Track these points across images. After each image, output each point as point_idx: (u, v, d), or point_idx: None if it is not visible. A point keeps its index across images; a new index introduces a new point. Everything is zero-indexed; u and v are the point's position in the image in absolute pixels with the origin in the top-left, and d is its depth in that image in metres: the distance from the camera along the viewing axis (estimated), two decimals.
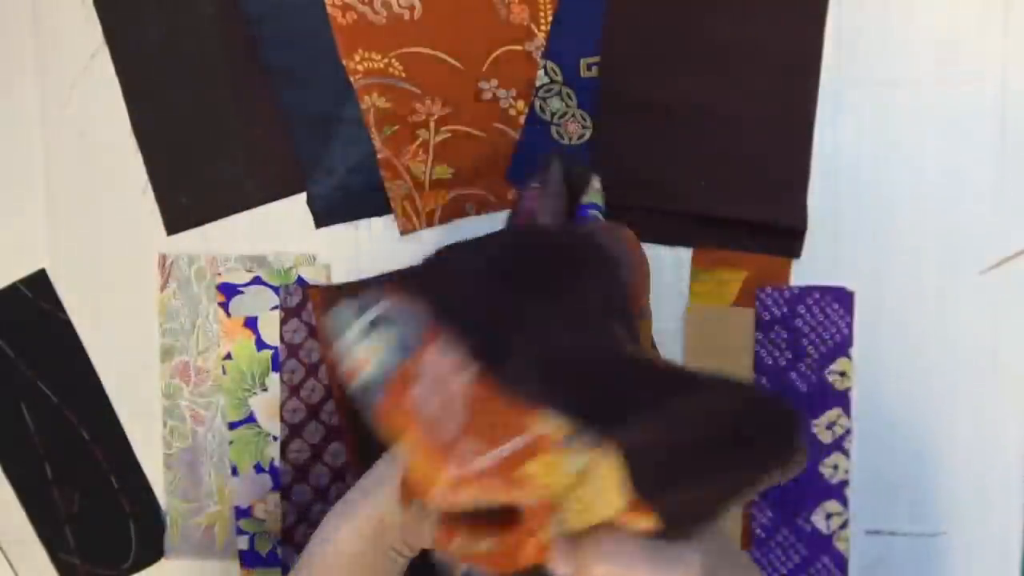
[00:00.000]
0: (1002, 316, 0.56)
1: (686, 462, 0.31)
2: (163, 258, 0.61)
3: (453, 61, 0.58)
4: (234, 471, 0.61)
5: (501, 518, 0.29)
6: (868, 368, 0.57)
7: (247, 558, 0.61)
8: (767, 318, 0.57)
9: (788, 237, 0.57)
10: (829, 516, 0.58)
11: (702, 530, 0.32)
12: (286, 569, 0.60)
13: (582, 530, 0.31)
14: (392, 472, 0.40)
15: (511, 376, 0.29)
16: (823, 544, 0.58)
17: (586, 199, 0.48)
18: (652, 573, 0.32)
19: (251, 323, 0.60)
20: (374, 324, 0.29)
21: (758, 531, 0.58)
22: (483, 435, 0.28)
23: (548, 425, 0.29)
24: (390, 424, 0.28)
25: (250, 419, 0.61)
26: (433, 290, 0.31)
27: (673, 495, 0.31)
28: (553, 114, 0.58)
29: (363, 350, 0.29)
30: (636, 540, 0.32)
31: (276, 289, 0.60)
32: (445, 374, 0.28)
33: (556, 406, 0.29)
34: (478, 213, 0.59)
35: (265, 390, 0.60)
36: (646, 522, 0.31)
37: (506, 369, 0.29)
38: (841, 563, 0.58)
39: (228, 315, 0.60)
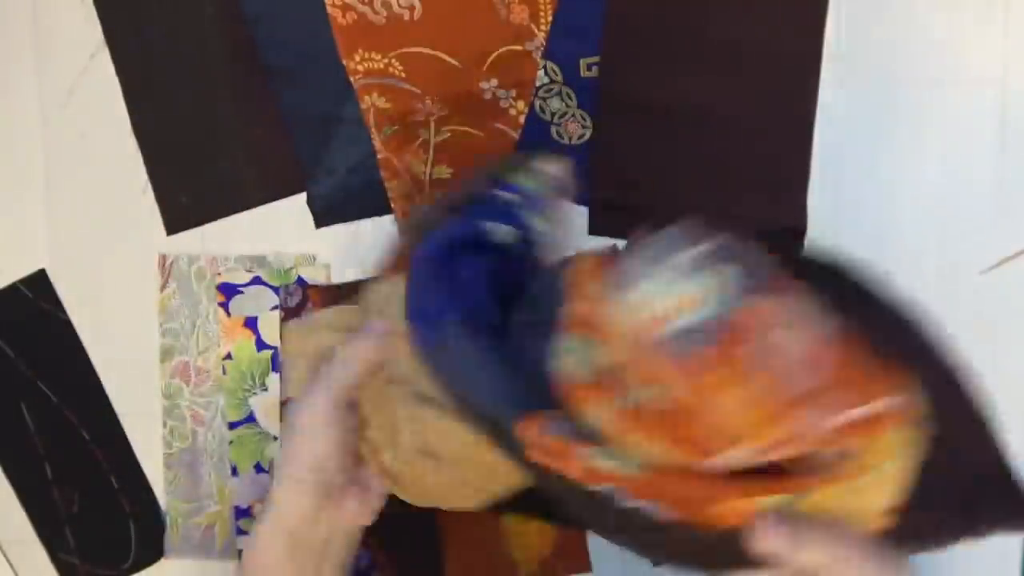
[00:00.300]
0: (1002, 316, 0.56)
1: (947, 491, 0.30)
2: (163, 258, 0.61)
3: (453, 61, 0.58)
4: (234, 471, 0.61)
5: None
6: None
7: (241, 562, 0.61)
8: None
9: (788, 237, 0.57)
10: None
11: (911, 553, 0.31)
12: None
13: (801, 512, 0.29)
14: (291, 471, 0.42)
15: (879, 333, 0.27)
16: None
17: (516, 177, 0.44)
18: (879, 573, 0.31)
19: (251, 323, 0.60)
20: (707, 258, 0.26)
21: None
22: (843, 392, 0.26)
23: (910, 397, 0.27)
24: (711, 376, 0.25)
25: (250, 419, 0.61)
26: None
27: (921, 516, 0.30)
28: (553, 114, 0.58)
29: (693, 286, 0.25)
30: (854, 536, 0.31)
31: (276, 289, 0.60)
32: (795, 327, 0.26)
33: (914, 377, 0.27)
34: None
35: (265, 390, 0.60)
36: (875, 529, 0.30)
37: (874, 324, 0.27)
38: None
39: (228, 315, 0.60)
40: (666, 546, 0.31)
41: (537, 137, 0.58)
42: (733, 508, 0.29)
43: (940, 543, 0.32)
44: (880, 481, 0.29)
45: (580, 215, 0.58)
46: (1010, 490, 0.32)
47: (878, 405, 0.26)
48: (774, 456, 0.27)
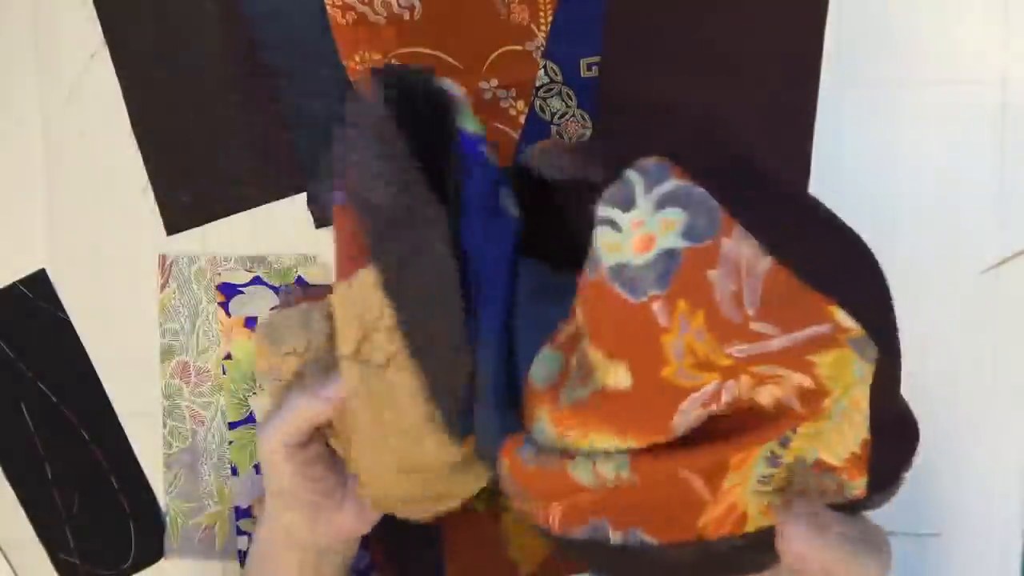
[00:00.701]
0: (1002, 316, 0.56)
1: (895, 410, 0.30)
2: (163, 258, 0.61)
3: (453, 61, 0.57)
4: (234, 471, 0.61)
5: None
6: None
7: (247, 558, 0.61)
8: None
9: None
10: None
11: (883, 503, 0.32)
12: None
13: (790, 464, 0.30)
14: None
15: (806, 269, 0.28)
16: None
17: (465, 124, 0.42)
18: (851, 557, 0.31)
19: (251, 323, 0.60)
20: (668, 198, 0.27)
21: None
22: (778, 320, 0.27)
23: (846, 321, 0.28)
24: (683, 301, 0.27)
25: (250, 419, 0.61)
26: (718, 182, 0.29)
27: (886, 447, 0.30)
28: (553, 114, 0.58)
29: (656, 223, 0.27)
30: (832, 512, 0.31)
31: (276, 289, 0.60)
32: (744, 259, 0.27)
33: (846, 306, 0.28)
34: None
35: (265, 390, 0.60)
36: (858, 487, 0.30)
37: (799, 261, 0.28)
38: None
39: (228, 315, 0.60)
40: (661, 573, 0.32)
41: (537, 137, 0.58)
42: (717, 514, 0.30)
43: (894, 481, 0.33)
44: (848, 413, 0.30)
45: None
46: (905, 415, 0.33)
47: (823, 327, 0.28)
48: (728, 398, 0.28)
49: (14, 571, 0.64)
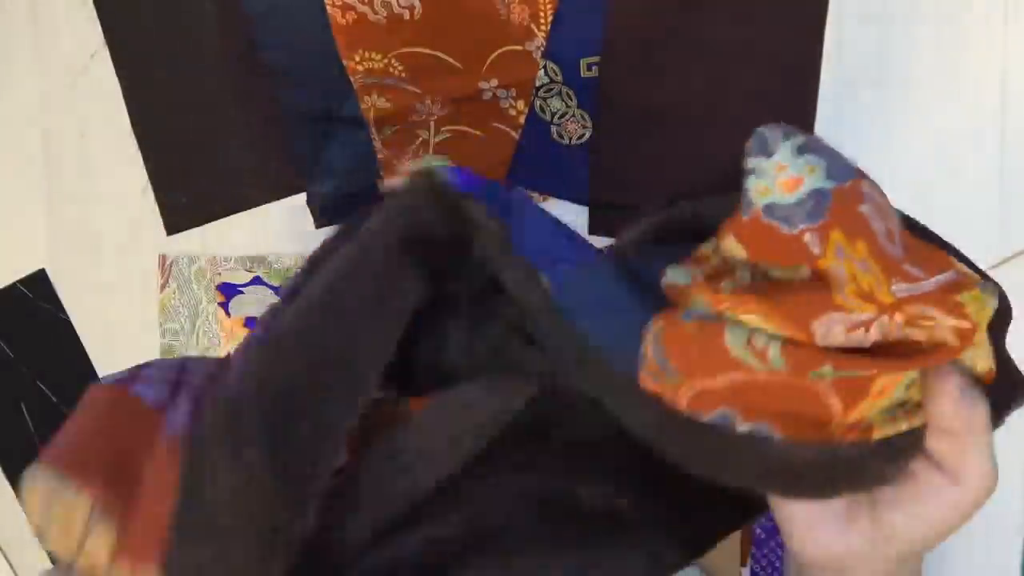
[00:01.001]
0: None
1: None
2: (163, 258, 0.61)
3: (453, 61, 0.57)
4: None
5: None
6: None
7: None
8: None
9: None
10: None
11: None
12: None
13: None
14: None
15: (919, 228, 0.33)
16: None
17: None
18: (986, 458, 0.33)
19: (251, 323, 0.60)
20: (804, 147, 0.31)
21: (758, 531, 0.58)
22: (920, 264, 0.30)
23: (965, 269, 0.31)
24: (838, 232, 0.29)
25: None
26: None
27: (997, 385, 0.32)
28: (553, 114, 0.58)
29: (800, 167, 0.30)
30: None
31: (276, 289, 0.60)
32: (883, 205, 0.30)
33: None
34: None
35: None
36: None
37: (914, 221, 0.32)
38: None
39: (228, 315, 0.60)
40: (778, 474, 0.32)
41: (537, 137, 0.58)
42: (848, 422, 0.30)
43: (998, 420, 0.35)
44: (982, 343, 0.31)
45: (580, 215, 0.58)
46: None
47: (953, 274, 0.30)
48: (878, 335, 0.29)
49: (14, 571, 0.64)
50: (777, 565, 0.58)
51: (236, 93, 0.60)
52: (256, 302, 0.60)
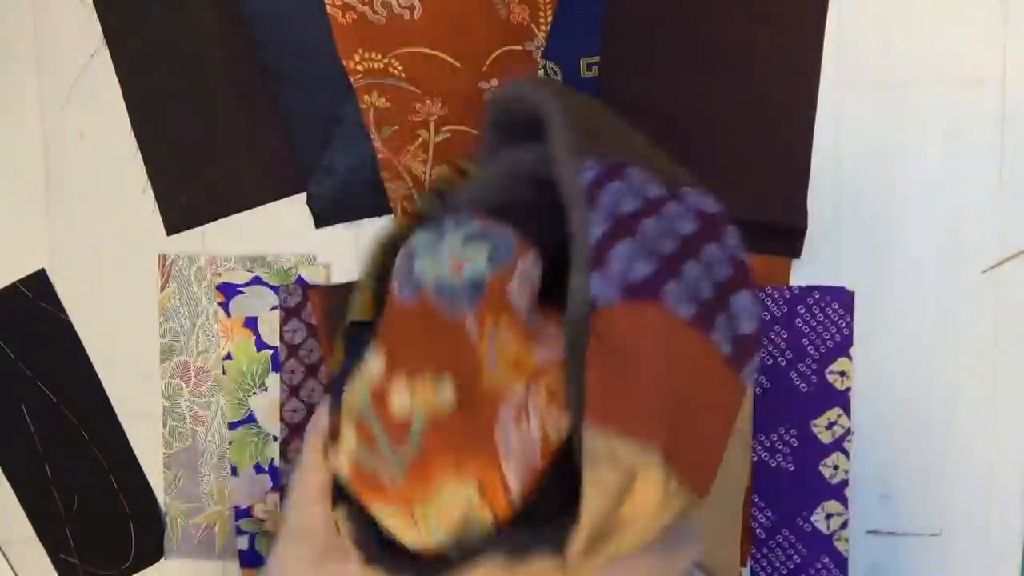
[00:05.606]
0: (1002, 316, 0.56)
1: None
2: (163, 258, 0.61)
3: (453, 61, 0.58)
4: (234, 471, 0.61)
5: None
6: (868, 368, 0.57)
7: (247, 558, 0.61)
8: (767, 318, 0.57)
9: (788, 237, 0.57)
10: (829, 516, 0.58)
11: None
12: None
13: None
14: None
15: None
16: (823, 544, 0.58)
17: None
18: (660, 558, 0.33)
19: (251, 323, 0.60)
20: (473, 236, 0.35)
21: (758, 531, 0.58)
22: (544, 340, 0.34)
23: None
24: (487, 311, 0.33)
25: (250, 419, 0.61)
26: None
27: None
28: None
29: (468, 251, 0.34)
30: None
31: (276, 289, 0.60)
32: (531, 278, 0.35)
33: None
34: None
35: (265, 390, 0.60)
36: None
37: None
38: (841, 563, 0.58)
39: (228, 315, 0.60)
40: None
41: None
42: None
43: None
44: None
45: None
46: None
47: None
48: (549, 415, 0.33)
49: (14, 571, 0.64)
50: (777, 565, 0.58)
51: (236, 94, 0.60)
52: (256, 302, 0.60)
